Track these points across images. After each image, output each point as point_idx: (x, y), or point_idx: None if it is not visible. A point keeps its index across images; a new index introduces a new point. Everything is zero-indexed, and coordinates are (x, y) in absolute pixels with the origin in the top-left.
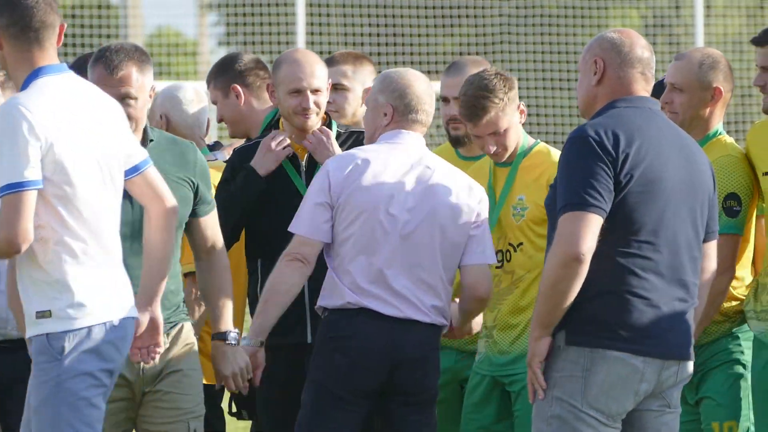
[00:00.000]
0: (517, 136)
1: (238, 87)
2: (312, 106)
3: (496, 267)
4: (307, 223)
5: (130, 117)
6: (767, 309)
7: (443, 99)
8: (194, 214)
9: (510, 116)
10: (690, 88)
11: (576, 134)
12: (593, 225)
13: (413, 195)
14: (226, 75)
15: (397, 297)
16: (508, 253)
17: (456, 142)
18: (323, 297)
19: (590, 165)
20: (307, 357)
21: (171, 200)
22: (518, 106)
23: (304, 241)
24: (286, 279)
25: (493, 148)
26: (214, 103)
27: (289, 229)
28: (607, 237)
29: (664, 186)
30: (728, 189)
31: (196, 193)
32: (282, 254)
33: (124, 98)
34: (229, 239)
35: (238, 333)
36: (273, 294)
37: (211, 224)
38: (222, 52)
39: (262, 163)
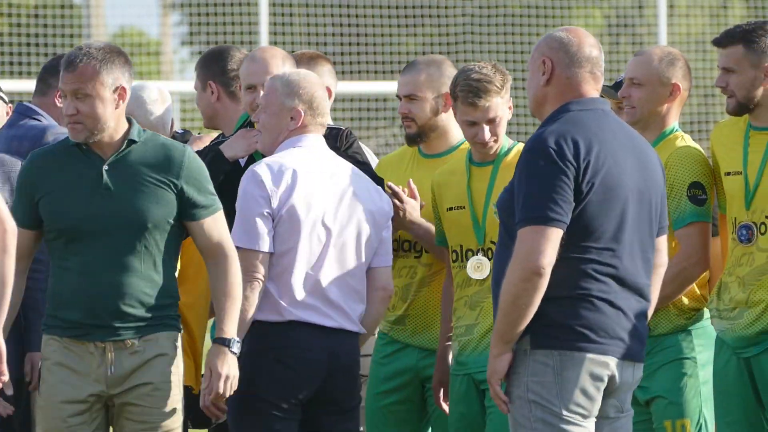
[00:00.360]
0: (504, 130)
1: (215, 84)
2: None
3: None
4: (262, 237)
5: (83, 114)
6: (729, 308)
7: (398, 97)
8: (190, 218)
9: (504, 107)
10: (649, 82)
11: (535, 144)
12: (554, 239)
13: (340, 203)
14: (208, 69)
15: (332, 307)
16: (490, 251)
17: (409, 140)
18: (259, 309)
19: (551, 177)
20: None
21: (8, 222)
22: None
23: (262, 258)
24: (252, 304)
25: (488, 136)
26: (197, 89)
27: (245, 245)
28: (568, 243)
29: (622, 192)
30: (691, 178)
31: (181, 197)
32: (242, 271)
33: (76, 94)
34: None
35: (239, 343)
36: (243, 323)
37: (211, 228)
38: (185, 52)
39: (231, 147)
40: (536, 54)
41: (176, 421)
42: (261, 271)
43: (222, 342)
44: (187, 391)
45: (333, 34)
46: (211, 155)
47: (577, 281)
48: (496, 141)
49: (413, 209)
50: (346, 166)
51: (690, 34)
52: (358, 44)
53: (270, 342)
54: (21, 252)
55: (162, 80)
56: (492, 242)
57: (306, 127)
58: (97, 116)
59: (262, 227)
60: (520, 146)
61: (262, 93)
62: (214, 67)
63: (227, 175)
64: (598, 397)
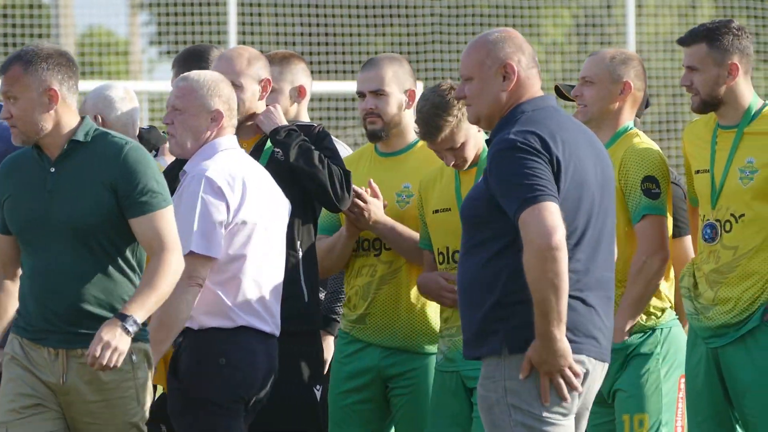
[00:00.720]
0: (477, 146)
1: None
2: None
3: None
4: (219, 245)
5: (15, 116)
6: (703, 304)
7: (360, 94)
8: (127, 215)
9: (466, 130)
10: (600, 80)
11: (504, 144)
12: (556, 212)
13: (273, 205)
14: (190, 68)
15: (269, 313)
16: None
17: (373, 136)
18: (208, 314)
19: (531, 163)
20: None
21: None
22: None
23: (208, 263)
24: (190, 308)
25: (451, 161)
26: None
27: (204, 252)
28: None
29: (588, 187)
30: (645, 172)
31: (116, 194)
32: (186, 275)
33: (8, 97)
34: None
35: (137, 324)
36: (179, 324)
37: (147, 226)
38: (153, 52)
39: None
40: (489, 60)
41: None
42: (204, 276)
43: (119, 316)
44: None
45: (302, 34)
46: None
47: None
48: (464, 161)
49: (378, 209)
50: (262, 168)
51: (658, 33)
52: (326, 44)
53: (219, 347)
54: (3, 258)
55: (130, 80)
56: None
57: (225, 129)
58: (25, 119)
59: (219, 235)
60: None
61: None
62: (195, 66)
63: None
64: (575, 395)
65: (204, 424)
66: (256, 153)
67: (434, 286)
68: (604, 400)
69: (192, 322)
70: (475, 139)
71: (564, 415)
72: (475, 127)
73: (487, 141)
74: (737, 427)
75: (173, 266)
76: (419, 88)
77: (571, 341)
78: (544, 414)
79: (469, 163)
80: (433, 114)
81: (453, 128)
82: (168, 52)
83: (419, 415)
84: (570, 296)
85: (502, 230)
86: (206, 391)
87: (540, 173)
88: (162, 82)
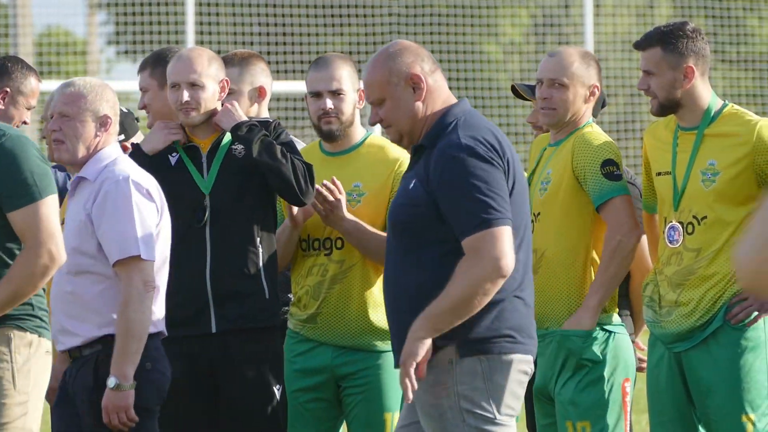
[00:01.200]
0: None
1: None
2: (188, 99)
3: None
4: (152, 247)
5: None
6: (660, 306)
7: (315, 94)
8: (6, 209)
9: None
10: (572, 84)
11: (456, 149)
12: (509, 237)
13: (166, 212)
14: (158, 69)
15: (163, 316)
16: None
17: (329, 136)
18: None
19: (488, 176)
20: (212, 347)
21: None
22: None
23: (152, 266)
24: (151, 312)
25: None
26: (143, 90)
27: (148, 257)
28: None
29: (524, 186)
30: (602, 157)
31: None
32: (141, 282)
33: None
34: None
35: None
36: (147, 331)
37: (20, 220)
38: (111, 51)
39: (149, 141)
40: (394, 78)
41: (8, 416)
42: (154, 279)
43: None
44: None
45: (260, 34)
46: (130, 152)
47: None
48: None
49: (343, 205)
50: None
51: (616, 33)
52: (284, 44)
53: (146, 352)
54: None
55: None
56: None
57: (111, 135)
58: None
59: (155, 239)
60: None
61: (185, 91)
62: (164, 68)
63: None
64: (522, 395)
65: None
66: (212, 151)
67: None
68: (552, 398)
69: (111, 328)
70: None
71: (512, 416)
72: None
73: (416, 147)
74: (699, 427)
75: (35, 262)
76: None
77: (517, 342)
78: (498, 416)
79: None
80: None
81: None
82: (126, 52)
83: (372, 414)
84: (514, 296)
85: (446, 235)
86: (139, 397)
87: (497, 187)
88: (120, 81)
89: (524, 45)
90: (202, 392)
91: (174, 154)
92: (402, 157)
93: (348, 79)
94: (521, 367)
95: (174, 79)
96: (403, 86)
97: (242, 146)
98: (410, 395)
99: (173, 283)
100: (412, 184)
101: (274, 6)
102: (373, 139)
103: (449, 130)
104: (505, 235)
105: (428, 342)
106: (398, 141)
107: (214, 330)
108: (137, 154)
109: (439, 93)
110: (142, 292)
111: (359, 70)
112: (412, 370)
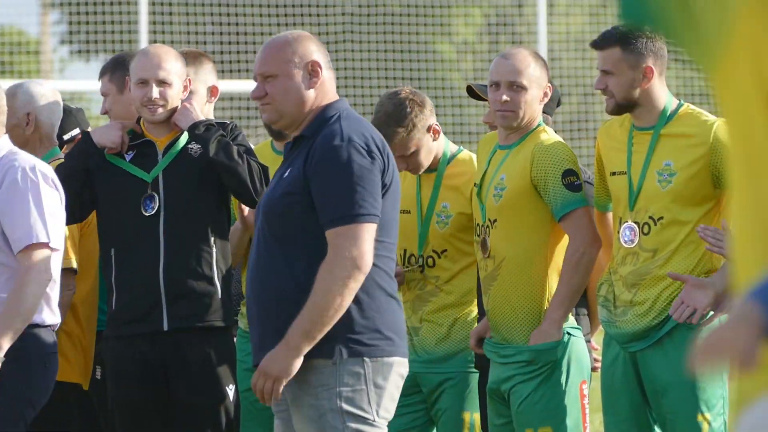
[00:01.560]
0: (429, 154)
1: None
2: (157, 96)
3: (419, 272)
4: (62, 238)
5: None
6: (615, 305)
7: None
8: None
9: (419, 139)
10: (531, 86)
11: (336, 141)
12: (372, 235)
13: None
14: (126, 71)
15: None
16: (430, 259)
17: (279, 135)
18: (47, 311)
19: (362, 171)
20: (164, 345)
21: None
22: (430, 127)
23: (56, 256)
24: (39, 301)
25: (404, 167)
26: (104, 95)
27: (55, 245)
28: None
29: (399, 186)
30: (563, 167)
31: None
32: (44, 269)
33: None
34: (79, 210)
35: None
36: (30, 317)
37: None
38: (64, 51)
39: (101, 134)
40: (296, 58)
41: None
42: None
43: None
44: (78, 388)
45: (213, 33)
46: (81, 140)
47: (379, 281)
48: (416, 167)
49: None
50: None
51: (569, 33)
52: (237, 43)
53: (44, 347)
54: None
55: (42, 79)
56: (434, 251)
57: (2, 127)
58: None
59: (60, 229)
60: (465, 154)
61: (154, 88)
62: (125, 72)
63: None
64: (398, 398)
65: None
66: (168, 149)
67: None
68: (506, 399)
69: (38, 317)
70: (428, 147)
71: (387, 419)
72: (428, 138)
73: (296, 138)
74: (655, 428)
75: None
76: None
77: (396, 345)
78: (377, 419)
79: (422, 169)
80: (384, 123)
81: (403, 137)
82: (79, 51)
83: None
84: (392, 297)
85: (320, 227)
86: (30, 387)
87: (370, 183)
88: (73, 81)
89: (477, 44)
90: (156, 392)
91: (129, 153)
92: None
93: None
94: (400, 370)
95: (142, 75)
96: (301, 69)
97: (198, 146)
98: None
99: (126, 279)
100: (287, 173)
101: (228, 5)
102: None
103: (332, 122)
104: (366, 232)
105: (302, 358)
106: (275, 121)
107: (165, 328)
108: (86, 141)
109: (329, 88)
110: (42, 280)
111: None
112: (281, 388)
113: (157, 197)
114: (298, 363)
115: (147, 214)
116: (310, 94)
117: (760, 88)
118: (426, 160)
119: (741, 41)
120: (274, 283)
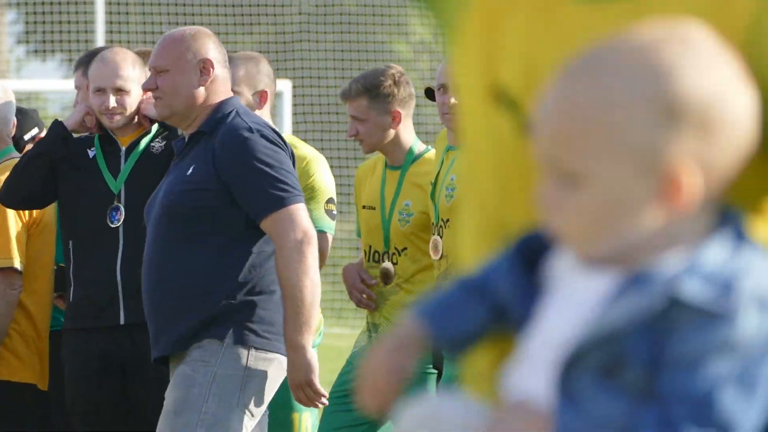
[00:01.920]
0: (382, 135)
1: None
2: (115, 105)
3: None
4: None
5: None
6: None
7: None
8: None
9: (376, 111)
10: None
11: (244, 132)
12: (305, 211)
13: None
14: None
15: None
16: (394, 257)
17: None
18: None
19: (278, 156)
20: (121, 340)
21: None
22: (392, 110)
23: None
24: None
25: (351, 132)
26: (77, 88)
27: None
28: (251, 231)
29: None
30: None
31: None
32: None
33: None
34: (42, 195)
35: None
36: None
37: None
38: (21, 51)
39: (70, 116)
40: (189, 54)
41: None
42: None
43: None
44: (33, 388)
45: None
46: (53, 123)
47: (269, 275)
48: (364, 142)
49: None
50: None
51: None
52: None
53: None
54: None
55: None
56: (396, 248)
57: None
58: None
59: None
60: (432, 153)
61: (111, 97)
62: None
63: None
64: (269, 399)
65: None
66: (131, 148)
67: (350, 280)
68: None
69: None
70: (381, 127)
71: (253, 416)
72: (387, 119)
73: (192, 134)
74: None
75: None
76: (287, 87)
77: (278, 340)
78: (239, 407)
79: (366, 145)
80: (356, 80)
81: (365, 99)
82: (36, 51)
83: (281, 414)
84: (276, 293)
85: (229, 222)
86: None
87: (288, 167)
88: (30, 80)
89: (434, 44)
90: (113, 388)
91: (92, 149)
92: (309, 156)
93: (243, 80)
94: (279, 367)
95: (99, 83)
96: (193, 65)
97: (161, 143)
98: (325, 402)
99: (84, 276)
100: (191, 170)
101: (184, 5)
102: (288, 139)
103: (231, 117)
104: (300, 210)
105: (313, 349)
106: (166, 117)
107: (122, 321)
108: (57, 125)
109: (222, 86)
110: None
111: (286, 69)
112: (318, 383)
113: (122, 208)
114: (313, 355)
115: (113, 226)
116: (200, 91)
117: (486, 74)
118: (375, 138)
119: (477, 14)
120: (178, 279)
